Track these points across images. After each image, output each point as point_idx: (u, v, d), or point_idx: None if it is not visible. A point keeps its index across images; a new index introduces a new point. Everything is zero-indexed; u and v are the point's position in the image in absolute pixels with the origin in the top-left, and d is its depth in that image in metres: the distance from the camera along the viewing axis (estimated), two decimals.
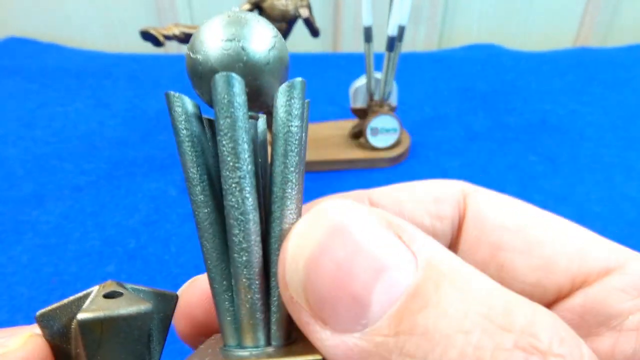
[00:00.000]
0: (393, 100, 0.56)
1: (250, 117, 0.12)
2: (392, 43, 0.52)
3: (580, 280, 0.14)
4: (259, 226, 0.11)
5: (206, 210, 0.11)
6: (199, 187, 0.11)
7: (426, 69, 0.78)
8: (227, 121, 0.10)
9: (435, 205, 0.15)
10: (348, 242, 0.09)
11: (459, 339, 0.09)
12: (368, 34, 0.52)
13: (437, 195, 0.16)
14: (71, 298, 0.11)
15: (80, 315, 0.10)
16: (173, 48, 0.82)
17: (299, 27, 0.50)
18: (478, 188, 0.16)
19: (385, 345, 0.09)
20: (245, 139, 0.10)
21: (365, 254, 0.09)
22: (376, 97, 0.55)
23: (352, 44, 0.87)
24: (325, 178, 0.54)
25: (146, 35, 0.46)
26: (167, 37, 0.46)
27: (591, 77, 0.76)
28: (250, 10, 0.48)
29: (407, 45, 0.85)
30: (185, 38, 0.47)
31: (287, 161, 0.11)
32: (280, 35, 0.12)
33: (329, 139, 0.58)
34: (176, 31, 0.46)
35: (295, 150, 0.11)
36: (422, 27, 0.87)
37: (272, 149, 0.12)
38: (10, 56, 0.79)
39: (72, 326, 0.11)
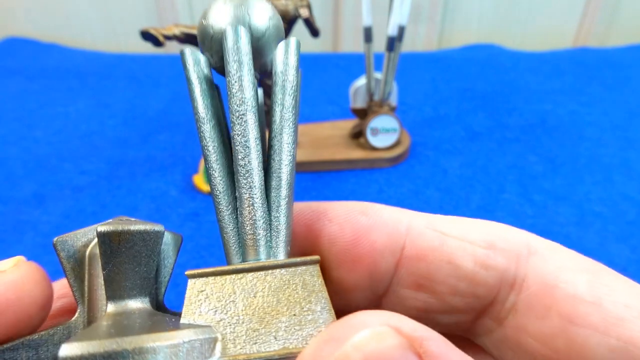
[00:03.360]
0: (393, 100, 0.56)
1: None
2: (392, 43, 0.52)
3: None
4: (260, 154, 0.12)
5: (214, 145, 0.13)
6: (208, 125, 0.13)
7: (426, 69, 0.78)
8: (236, 64, 0.12)
9: (485, 251, 0.13)
10: None
11: None
12: (368, 34, 0.52)
13: (491, 241, 0.13)
14: (87, 228, 0.13)
15: (100, 228, 0.12)
16: (173, 48, 0.82)
17: (299, 27, 0.50)
18: (547, 243, 0.14)
19: None
20: (250, 80, 0.12)
21: None
22: (376, 97, 0.55)
23: (352, 44, 0.87)
24: (325, 178, 0.54)
25: (146, 35, 0.46)
26: (167, 37, 0.46)
27: (591, 77, 0.76)
28: None
29: (407, 45, 0.85)
30: (185, 38, 0.47)
31: (285, 102, 0.13)
32: (276, 11, 0.14)
33: (329, 139, 0.58)
34: (176, 31, 0.46)
35: (292, 94, 0.13)
36: (422, 27, 0.87)
37: (272, 95, 0.13)
38: (11, 56, 0.79)
39: (87, 252, 0.13)
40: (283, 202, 0.13)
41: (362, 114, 0.56)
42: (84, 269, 0.13)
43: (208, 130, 0.13)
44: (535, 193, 0.52)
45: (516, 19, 0.89)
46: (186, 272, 0.12)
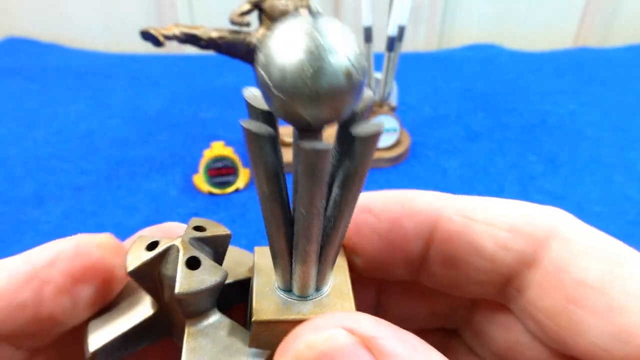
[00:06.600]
0: (393, 100, 0.56)
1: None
2: (392, 43, 0.52)
3: None
4: (321, 229, 0.13)
5: (277, 215, 0.13)
6: (273, 203, 0.12)
7: (426, 69, 0.78)
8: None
9: (506, 234, 0.15)
10: None
11: None
12: (368, 34, 0.52)
13: (514, 224, 0.15)
14: (153, 254, 0.14)
15: (177, 290, 0.13)
16: (173, 48, 0.82)
17: None
18: (577, 229, 0.15)
19: None
20: (324, 191, 0.12)
21: None
22: (376, 97, 0.55)
23: None
24: None
25: (146, 35, 0.46)
26: (167, 37, 0.46)
27: (591, 77, 0.76)
28: (250, 10, 0.48)
29: (407, 45, 0.85)
30: (185, 38, 0.47)
31: (347, 183, 0.14)
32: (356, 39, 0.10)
33: (329, 139, 0.58)
34: (176, 31, 0.46)
35: (360, 176, 0.13)
36: (422, 27, 0.87)
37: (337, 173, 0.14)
38: (11, 56, 0.79)
39: (160, 277, 0.14)
40: (331, 260, 0.14)
41: None
42: (162, 293, 0.15)
43: (271, 206, 0.13)
44: (535, 193, 0.52)
45: (516, 19, 0.89)
46: (254, 319, 0.14)
